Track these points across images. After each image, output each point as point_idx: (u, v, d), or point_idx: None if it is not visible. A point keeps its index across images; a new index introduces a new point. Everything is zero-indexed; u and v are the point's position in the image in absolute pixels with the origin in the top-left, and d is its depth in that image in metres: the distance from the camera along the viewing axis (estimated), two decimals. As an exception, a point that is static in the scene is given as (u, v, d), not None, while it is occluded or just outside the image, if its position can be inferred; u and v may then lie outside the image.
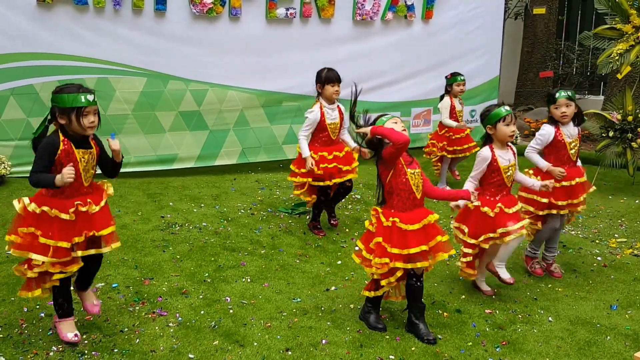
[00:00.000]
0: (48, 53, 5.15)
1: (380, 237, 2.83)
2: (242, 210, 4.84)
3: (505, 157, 3.23)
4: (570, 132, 3.54)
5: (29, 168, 5.47)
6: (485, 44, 7.23)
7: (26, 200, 2.57)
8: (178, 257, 3.81)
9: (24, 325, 2.88)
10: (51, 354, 2.66)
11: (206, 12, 5.59)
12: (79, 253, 2.61)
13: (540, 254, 3.76)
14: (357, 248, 3.17)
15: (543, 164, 3.52)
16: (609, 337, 2.97)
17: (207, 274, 3.57)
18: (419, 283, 2.90)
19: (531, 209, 3.52)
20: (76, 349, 2.70)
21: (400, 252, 2.76)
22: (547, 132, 3.52)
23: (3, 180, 5.10)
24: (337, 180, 4.20)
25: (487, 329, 3.02)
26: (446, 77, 5.63)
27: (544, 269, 3.69)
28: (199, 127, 5.83)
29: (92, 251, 2.65)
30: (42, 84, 5.17)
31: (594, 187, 3.68)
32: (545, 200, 3.48)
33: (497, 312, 3.21)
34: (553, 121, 3.55)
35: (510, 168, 3.23)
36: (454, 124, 5.46)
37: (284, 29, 6.02)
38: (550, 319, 3.15)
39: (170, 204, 4.93)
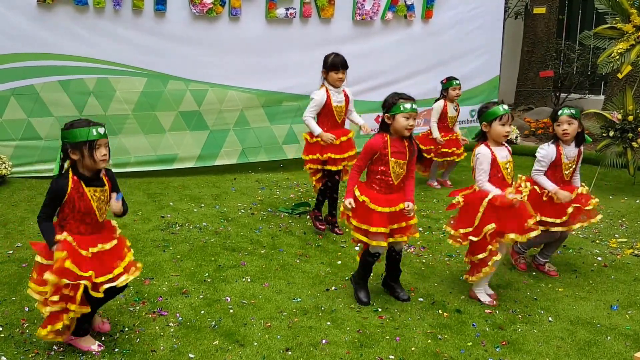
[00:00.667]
0: (48, 53, 5.15)
1: (356, 216, 3.14)
2: (242, 210, 4.85)
3: (502, 154, 3.22)
4: (569, 153, 3.53)
5: (30, 168, 5.56)
6: (485, 43, 7.23)
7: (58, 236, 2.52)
8: (178, 257, 3.81)
9: (25, 325, 2.88)
10: (52, 353, 2.67)
11: (206, 12, 5.59)
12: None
13: (530, 252, 3.77)
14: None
15: (551, 187, 3.48)
16: (609, 337, 2.97)
17: (207, 274, 3.57)
18: (398, 256, 3.29)
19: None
20: (77, 349, 2.70)
21: (360, 226, 3.07)
22: (547, 152, 3.50)
23: (4, 180, 5.11)
24: (345, 163, 4.22)
25: (487, 329, 3.02)
26: (441, 81, 5.65)
27: (527, 264, 3.71)
28: (199, 127, 5.84)
29: (107, 285, 2.59)
30: (43, 84, 5.17)
31: (600, 216, 3.60)
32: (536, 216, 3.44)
33: (497, 312, 3.21)
34: (555, 139, 3.53)
35: (508, 164, 3.24)
36: (437, 135, 5.50)
37: (284, 29, 6.02)
38: (550, 319, 3.15)
39: (171, 203, 4.93)
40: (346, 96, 4.26)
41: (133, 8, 5.35)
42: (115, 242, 2.64)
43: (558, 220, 3.48)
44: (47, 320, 2.58)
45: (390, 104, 3.07)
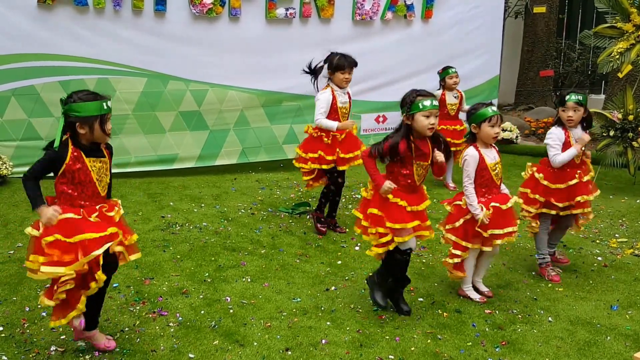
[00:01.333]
0: (49, 54, 5.15)
1: (376, 208, 2.99)
2: (243, 210, 4.85)
3: (490, 156, 3.21)
4: (577, 135, 3.53)
5: (31, 168, 5.50)
6: (485, 43, 7.22)
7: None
8: (178, 257, 3.82)
9: (25, 325, 2.89)
10: (52, 353, 2.67)
11: (206, 13, 5.59)
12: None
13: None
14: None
15: (573, 150, 3.44)
16: (609, 338, 2.97)
17: (207, 274, 3.58)
18: (407, 257, 3.13)
19: (532, 208, 3.51)
20: (77, 349, 2.71)
21: (397, 227, 2.93)
22: (556, 134, 3.49)
23: (5, 180, 5.11)
24: (349, 164, 4.19)
25: (487, 329, 3.02)
26: (438, 72, 5.70)
27: (560, 273, 3.66)
28: (199, 127, 5.84)
29: (118, 248, 2.54)
30: (43, 84, 5.18)
31: (598, 191, 3.63)
32: (542, 199, 3.48)
33: (497, 312, 3.21)
34: (560, 123, 3.53)
35: (496, 165, 3.21)
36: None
37: (284, 29, 6.02)
38: (550, 319, 3.15)
39: (171, 203, 4.94)
40: (349, 96, 4.27)
41: (133, 8, 5.35)
42: (116, 212, 2.55)
43: (567, 204, 3.47)
44: (59, 310, 2.52)
45: (409, 103, 2.87)
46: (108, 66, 5.36)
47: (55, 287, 2.49)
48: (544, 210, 3.54)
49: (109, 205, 2.59)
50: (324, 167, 4.19)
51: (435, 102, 2.92)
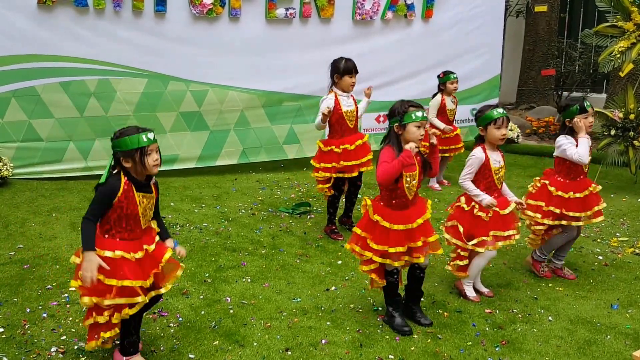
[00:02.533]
0: (49, 55, 5.16)
1: (361, 228, 2.96)
2: (243, 211, 4.86)
3: (496, 159, 3.23)
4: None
5: (31, 169, 5.57)
6: (486, 42, 7.21)
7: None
8: (179, 257, 3.81)
9: (26, 326, 2.89)
10: (53, 354, 2.68)
11: (206, 13, 5.59)
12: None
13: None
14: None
15: (584, 146, 3.41)
16: (609, 337, 2.97)
17: (207, 275, 3.58)
18: (422, 274, 3.07)
19: (538, 216, 3.49)
20: (78, 349, 2.71)
21: (380, 249, 2.87)
22: (569, 141, 3.46)
23: (5, 181, 5.12)
24: (363, 169, 4.18)
25: (487, 329, 3.02)
26: (438, 76, 5.66)
27: (552, 271, 3.66)
28: (200, 128, 5.84)
29: (152, 293, 2.61)
30: (44, 85, 5.18)
31: (604, 204, 3.60)
32: (557, 210, 3.46)
33: (497, 311, 3.21)
34: (570, 132, 3.50)
35: (500, 170, 3.23)
36: (441, 125, 5.47)
37: (284, 29, 6.02)
38: (550, 318, 3.15)
39: (172, 204, 4.94)
40: (354, 100, 4.26)
41: (133, 9, 5.36)
42: (155, 243, 2.58)
43: (583, 215, 3.46)
44: (93, 330, 2.52)
45: (401, 113, 2.88)
46: (108, 67, 5.37)
47: (94, 314, 2.51)
48: (562, 222, 3.49)
49: (149, 235, 2.59)
50: (338, 175, 4.16)
51: (425, 114, 2.93)
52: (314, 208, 4.92)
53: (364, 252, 2.91)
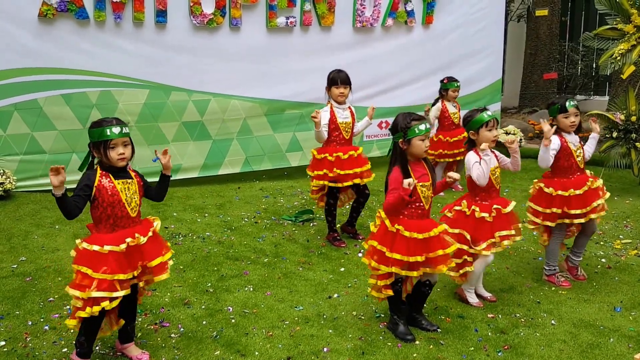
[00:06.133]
0: (50, 68, 5.21)
1: (377, 241, 2.91)
2: (246, 219, 4.86)
3: (491, 161, 3.23)
4: (573, 140, 3.54)
5: (34, 182, 5.61)
6: (487, 47, 7.22)
7: (78, 240, 2.61)
8: (181, 267, 3.83)
9: (28, 339, 2.90)
10: (55, 366, 2.69)
11: (207, 23, 5.64)
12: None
13: (561, 259, 3.73)
14: (361, 253, 3.18)
15: (546, 143, 3.42)
16: (612, 340, 2.94)
17: (209, 284, 3.59)
18: (429, 291, 3.06)
19: (539, 220, 3.48)
20: (79, 361, 2.72)
21: (402, 259, 2.82)
22: (554, 142, 3.48)
23: (9, 194, 5.16)
24: (357, 181, 4.17)
25: (490, 334, 3.00)
26: (442, 80, 5.66)
27: (568, 279, 3.62)
28: (202, 137, 5.87)
29: (140, 283, 2.69)
30: (46, 98, 5.23)
31: (608, 194, 3.58)
32: (558, 210, 3.44)
33: (500, 316, 3.19)
34: (556, 131, 3.52)
35: (495, 170, 3.25)
36: (433, 114, 5.55)
37: (285, 37, 6.06)
38: (553, 322, 3.12)
39: (174, 214, 4.96)
40: (352, 112, 4.27)
41: (134, 20, 5.41)
42: (149, 235, 2.63)
43: (583, 211, 3.44)
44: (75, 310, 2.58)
45: (404, 128, 2.86)
46: (110, 78, 5.41)
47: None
48: (565, 220, 3.48)
49: (142, 228, 2.64)
50: (330, 184, 4.16)
51: (428, 126, 2.93)
52: (317, 215, 4.92)
53: (379, 266, 2.86)
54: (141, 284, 2.71)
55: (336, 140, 4.20)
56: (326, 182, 4.17)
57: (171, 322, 3.11)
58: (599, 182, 3.55)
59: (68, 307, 3.21)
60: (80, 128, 5.37)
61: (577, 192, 3.43)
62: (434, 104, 5.67)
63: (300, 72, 6.08)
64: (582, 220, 3.48)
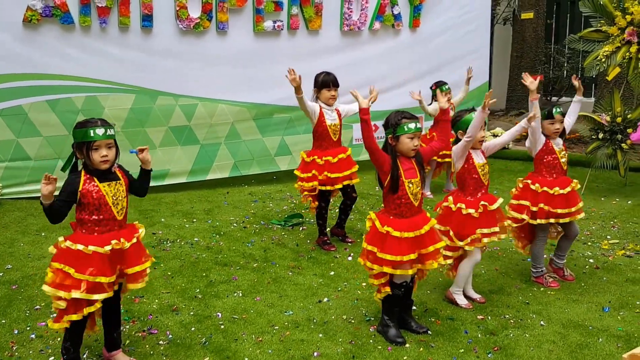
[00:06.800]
0: (36, 73, 5.15)
1: (368, 242, 2.93)
2: (235, 224, 4.83)
3: (478, 157, 3.29)
4: (557, 143, 3.61)
5: (20, 189, 5.53)
6: (473, 50, 7.27)
7: (61, 238, 2.57)
8: (169, 273, 3.79)
9: (14, 348, 2.85)
10: (40, 376, 2.64)
11: (193, 27, 5.62)
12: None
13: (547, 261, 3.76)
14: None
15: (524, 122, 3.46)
16: (601, 339, 2.96)
17: (198, 290, 3.55)
18: (411, 283, 3.05)
19: (522, 216, 3.50)
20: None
21: (393, 259, 2.83)
22: (541, 139, 3.55)
23: (-6, 201, 5.09)
24: (346, 182, 4.17)
25: (479, 335, 3.00)
26: (431, 87, 5.71)
27: (556, 279, 3.64)
28: (190, 142, 5.84)
29: (115, 287, 2.65)
30: (31, 104, 5.17)
31: (581, 203, 3.60)
32: (545, 207, 3.46)
33: (489, 317, 3.20)
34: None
35: (484, 166, 3.29)
36: (431, 109, 5.56)
37: (273, 41, 6.06)
38: (542, 322, 3.13)
39: (162, 220, 4.92)
40: (339, 114, 4.27)
41: (119, 25, 5.38)
42: (134, 241, 2.60)
43: (567, 211, 3.47)
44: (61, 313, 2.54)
45: (394, 125, 2.91)
46: (96, 84, 5.37)
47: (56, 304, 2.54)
48: (550, 220, 3.50)
49: (127, 232, 2.61)
50: (319, 186, 4.15)
51: (419, 125, 2.94)
52: (307, 219, 4.91)
53: (373, 265, 2.88)
54: (116, 288, 2.66)
55: (324, 143, 4.18)
56: (315, 184, 4.16)
57: (159, 328, 3.07)
58: (578, 187, 3.60)
59: (55, 314, 3.15)
60: (65, 134, 5.31)
61: (562, 191, 3.47)
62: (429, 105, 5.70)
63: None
64: (567, 220, 3.51)
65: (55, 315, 2.61)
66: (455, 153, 3.25)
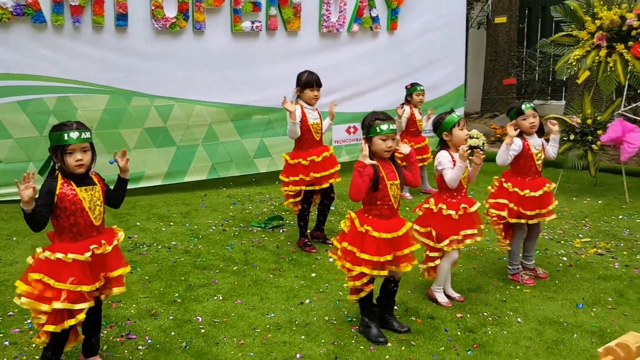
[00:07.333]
0: (5, 73, 5.00)
1: (348, 242, 2.93)
2: (214, 227, 4.78)
3: (459, 160, 3.30)
4: (535, 143, 3.63)
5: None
6: (449, 53, 7.39)
7: (39, 249, 2.48)
8: (146, 278, 3.73)
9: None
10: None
11: (169, 27, 5.55)
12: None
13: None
14: (330, 253, 3.17)
15: (504, 147, 3.52)
16: (575, 335, 3.03)
17: (177, 294, 3.50)
18: (395, 288, 3.09)
19: (504, 213, 3.56)
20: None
21: (371, 259, 2.85)
22: (516, 144, 3.57)
23: (-38, 205, 4.91)
24: (332, 180, 4.18)
25: (459, 333, 3.05)
26: (406, 87, 5.78)
27: (532, 277, 3.72)
28: (166, 144, 5.75)
29: (102, 297, 2.61)
30: (0, 105, 5.00)
31: (556, 202, 3.69)
32: (515, 207, 3.53)
33: (468, 315, 3.25)
34: (519, 134, 3.62)
35: (464, 169, 3.31)
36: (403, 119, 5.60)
37: (251, 42, 6.02)
38: (519, 320, 3.20)
39: (138, 223, 4.83)
40: (319, 113, 4.28)
41: (93, 25, 5.27)
42: (114, 244, 2.55)
43: (537, 212, 3.54)
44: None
45: (367, 126, 2.91)
46: (68, 84, 5.24)
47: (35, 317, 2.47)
48: (521, 220, 3.57)
49: (106, 236, 2.56)
50: (306, 188, 4.15)
51: (393, 126, 2.93)
52: (287, 221, 4.90)
53: (354, 267, 2.87)
54: (102, 297, 2.62)
55: (307, 143, 4.18)
56: (303, 187, 4.15)
57: (138, 333, 3.02)
58: (553, 187, 3.66)
59: (29, 321, 3.07)
60: (37, 136, 5.17)
61: (533, 193, 3.53)
62: (401, 107, 5.75)
63: (267, 77, 6.05)
64: (536, 221, 3.59)
65: (37, 329, 2.52)
66: (440, 163, 3.27)
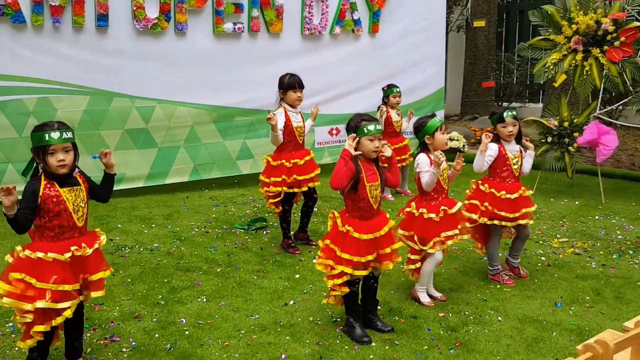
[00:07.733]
0: (-16, 74, 4.92)
1: (330, 240, 2.98)
2: (196, 229, 4.76)
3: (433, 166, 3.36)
4: (512, 148, 3.70)
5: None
6: (430, 56, 7.48)
7: (18, 247, 2.45)
8: (129, 280, 3.69)
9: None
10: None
11: (150, 28, 5.50)
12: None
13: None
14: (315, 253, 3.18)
15: (479, 154, 3.60)
16: (555, 333, 3.11)
17: (160, 296, 3.48)
18: (375, 284, 3.13)
19: (475, 216, 3.62)
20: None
21: (351, 259, 2.89)
22: (492, 149, 3.65)
23: None
24: (311, 184, 4.20)
25: (441, 332, 3.10)
26: (383, 88, 5.84)
27: (512, 277, 3.78)
28: (147, 145, 5.70)
29: (81, 297, 2.58)
30: (-22, 106, 4.92)
31: (535, 206, 3.74)
32: (491, 207, 3.60)
33: (450, 315, 3.30)
34: (496, 139, 3.70)
35: (444, 171, 3.38)
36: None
37: (233, 43, 6.01)
38: (499, 318, 3.27)
39: (119, 225, 4.78)
40: (302, 116, 4.30)
41: (73, 25, 5.19)
42: (95, 247, 2.54)
43: (511, 215, 3.60)
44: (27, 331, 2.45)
45: (354, 128, 2.96)
46: (48, 85, 5.16)
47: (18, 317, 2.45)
48: (494, 221, 3.64)
49: (89, 239, 2.54)
50: (287, 190, 4.16)
51: (379, 127, 3.00)
52: (270, 223, 4.90)
53: (336, 266, 2.90)
54: (81, 298, 2.60)
55: (290, 145, 4.20)
56: (284, 189, 4.16)
57: (122, 336, 2.99)
58: (529, 192, 3.73)
59: (10, 324, 3.01)
60: (16, 137, 5.08)
61: (509, 195, 3.60)
62: (378, 109, 5.80)
63: (250, 79, 6.04)
64: (510, 225, 3.65)
65: (22, 331, 2.49)
66: (418, 165, 3.32)
